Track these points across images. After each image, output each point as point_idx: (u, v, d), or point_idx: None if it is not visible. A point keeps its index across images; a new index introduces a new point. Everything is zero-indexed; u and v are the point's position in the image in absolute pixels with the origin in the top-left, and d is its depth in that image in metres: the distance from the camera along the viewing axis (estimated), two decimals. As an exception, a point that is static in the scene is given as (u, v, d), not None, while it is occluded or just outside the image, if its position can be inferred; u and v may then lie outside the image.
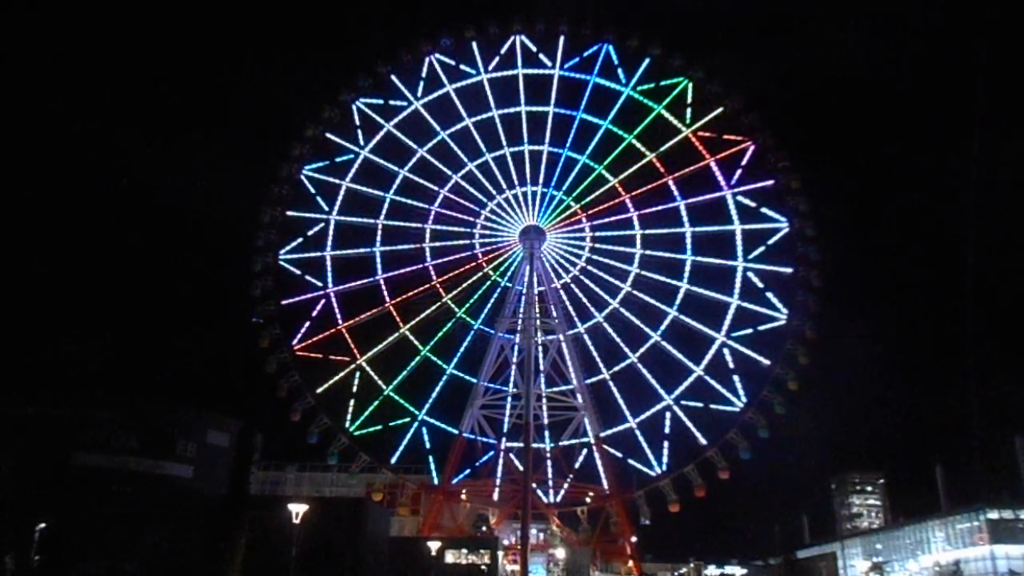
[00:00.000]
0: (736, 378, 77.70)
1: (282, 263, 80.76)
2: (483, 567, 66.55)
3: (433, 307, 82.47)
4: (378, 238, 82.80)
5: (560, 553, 79.46)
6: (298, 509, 40.16)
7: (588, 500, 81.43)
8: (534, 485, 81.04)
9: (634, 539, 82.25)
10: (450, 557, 66.21)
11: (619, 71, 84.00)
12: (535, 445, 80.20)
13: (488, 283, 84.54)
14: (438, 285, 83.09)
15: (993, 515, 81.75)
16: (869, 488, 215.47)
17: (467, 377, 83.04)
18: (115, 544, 51.70)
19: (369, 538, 61.00)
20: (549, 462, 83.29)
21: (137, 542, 52.27)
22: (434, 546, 61.04)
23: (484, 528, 79.02)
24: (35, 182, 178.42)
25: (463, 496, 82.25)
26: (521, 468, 75.85)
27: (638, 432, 79.10)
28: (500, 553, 70.90)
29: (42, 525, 49.49)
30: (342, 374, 79.88)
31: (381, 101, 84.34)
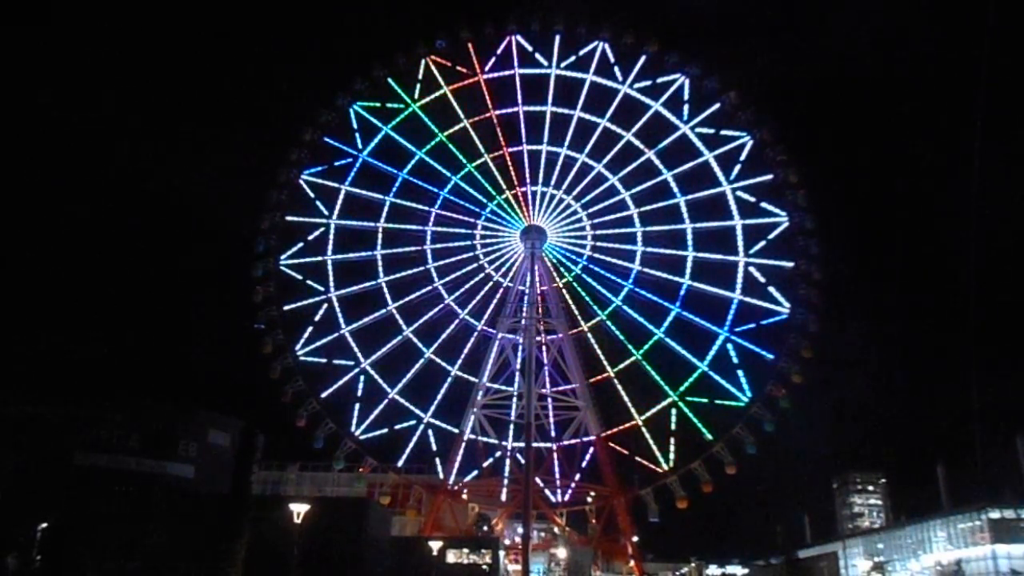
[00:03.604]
0: (740, 373, 77.49)
1: (283, 268, 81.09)
2: (484, 567, 66.23)
3: (435, 309, 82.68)
4: (379, 241, 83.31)
5: (562, 553, 78.98)
6: (299, 509, 39.86)
7: (589, 499, 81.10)
8: (541, 484, 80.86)
9: (635, 539, 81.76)
10: (451, 557, 65.96)
11: (615, 69, 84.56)
12: (540, 445, 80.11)
13: (490, 284, 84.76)
14: (440, 287, 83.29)
15: (995, 514, 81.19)
16: (871, 488, 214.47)
17: (471, 378, 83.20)
18: (117, 544, 51.79)
19: (370, 538, 60.81)
20: (556, 461, 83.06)
21: (139, 542, 52.36)
22: (435, 546, 60.73)
23: (485, 528, 78.58)
24: (40, 185, 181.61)
25: (464, 496, 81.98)
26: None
27: (644, 429, 78.85)
28: (501, 553, 70.51)
29: (44, 525, 49.75)
30: (346, 378, 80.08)
31: (378, 104, 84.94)
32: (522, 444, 76.89)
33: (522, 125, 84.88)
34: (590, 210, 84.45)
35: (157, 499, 54.64)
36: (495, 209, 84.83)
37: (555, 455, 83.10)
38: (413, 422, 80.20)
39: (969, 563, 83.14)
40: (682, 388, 77.90)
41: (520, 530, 75.27)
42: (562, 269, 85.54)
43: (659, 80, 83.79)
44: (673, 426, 78.17)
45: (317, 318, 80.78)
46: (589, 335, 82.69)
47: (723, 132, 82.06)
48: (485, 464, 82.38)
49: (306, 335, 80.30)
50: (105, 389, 61.51)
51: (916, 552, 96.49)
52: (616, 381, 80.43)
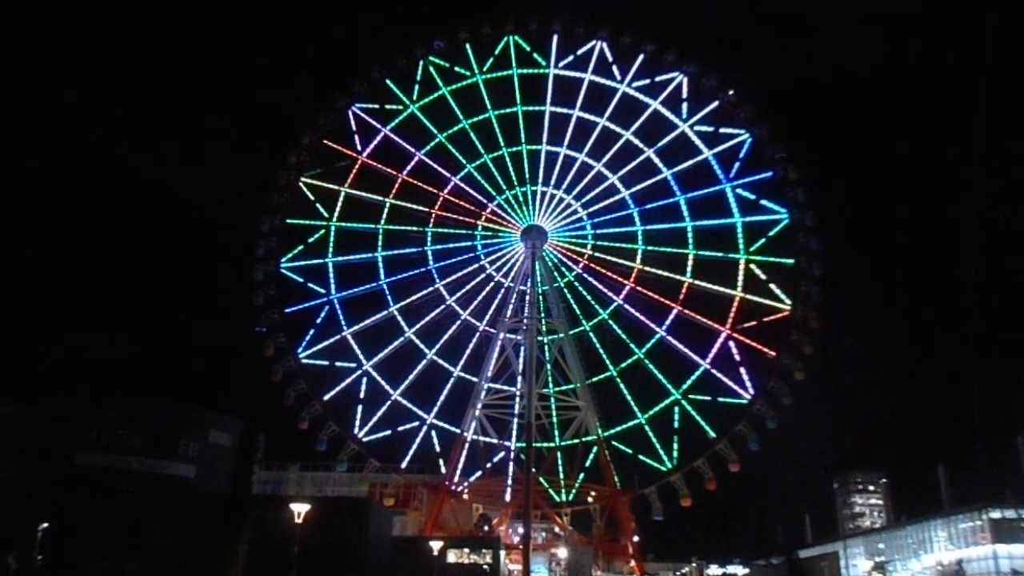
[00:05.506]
0: (743, 370, 77.26)
1: (284, 271, 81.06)
2: (485, 566, 66.10)
3: (437, 310, 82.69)
4: (379, 243, 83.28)
5: (562, 553, 78.68)
6: (300, 508, 40.00)
7: (590, 499, 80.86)
8: (545, 485, 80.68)
9: (636, 539, 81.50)
10: (452, 557, 65.86)
11: (614, 68, 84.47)
12: (541, 444, 79.95)
13: (491, 284, 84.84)
14: (441, 288, 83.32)
15: (996, 514, 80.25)
16: (871, 487, 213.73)
17: (473, 379, 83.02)
18: (117, 544, 51.91)
19: (371, 537, 60.76)
20: (560, 461, 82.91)
21: (140, 542, 52.46)
22: (436, 546, 60.70)
23: (486, 528, 78.39)
24: (41, 186, 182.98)
25: (465, 496, 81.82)
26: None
27: (647, 428, 78.66)
28: (502, 552, 70.31)
29: (44, 525, 49.86)
30: (349, 380, 79.88)
31: (377, 106, 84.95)
32: (523, 444, 76.77)
33: (521, 125, 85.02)
34: (590, 209, 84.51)
35: (158, 499, 54.76)
36: (495, 209, 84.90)
37: (558, 453, 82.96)
38: (416, 423, 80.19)
39: (970, 563, 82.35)
40: (684, 386, 77.80)
41: (521, 530, 75.06)
42: (563, 268, 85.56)
43: (657, 79, 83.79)
44: (676, 424, 78.13)
45: (319, 320, 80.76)
46: (591, 334, 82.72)
47: (722, 130, 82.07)
48: (488, 464, 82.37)
49: (308, 338, 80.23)
50: (106, 389, 61.70)
51: (917, 552, 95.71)
52: (618, 380, 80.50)
